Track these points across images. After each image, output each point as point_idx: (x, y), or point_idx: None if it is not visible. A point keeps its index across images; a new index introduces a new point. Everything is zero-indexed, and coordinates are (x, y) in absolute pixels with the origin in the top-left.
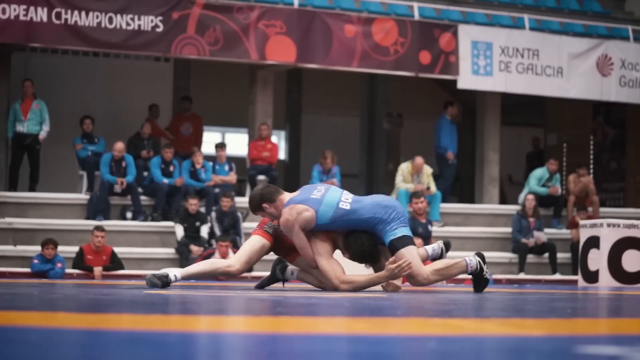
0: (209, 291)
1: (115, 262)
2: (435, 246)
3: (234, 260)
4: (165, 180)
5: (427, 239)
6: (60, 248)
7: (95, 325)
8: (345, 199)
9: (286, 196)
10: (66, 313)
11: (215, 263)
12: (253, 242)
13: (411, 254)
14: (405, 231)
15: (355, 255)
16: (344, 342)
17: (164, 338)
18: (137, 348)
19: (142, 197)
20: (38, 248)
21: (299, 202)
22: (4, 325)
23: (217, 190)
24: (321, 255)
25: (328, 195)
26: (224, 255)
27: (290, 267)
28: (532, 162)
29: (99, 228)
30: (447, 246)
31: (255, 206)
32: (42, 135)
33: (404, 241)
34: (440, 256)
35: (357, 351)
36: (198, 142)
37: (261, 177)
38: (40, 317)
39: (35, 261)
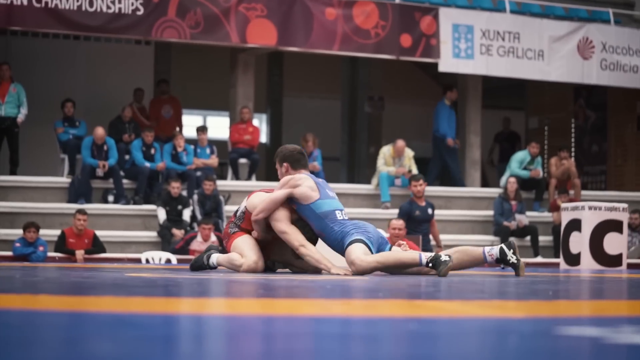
0: (192, 274)
1: (97, 246)
2: (495, 249)
3: (252, 260)
4: (147, 164)
5: (425, 222)
6: (42, 231)
7: (77, 307)
8: (344, 214)
9: (307, 174)
10: (48, 296)
11: (233, 260)
12: (246, 238)
13: (350, 249)
14: (357, 236)
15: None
16: (326, 324)
17: (146, 320)
18: (119, 330)
19: (124, 181)
20: (19, 231)
21: (315, 181)
22: None
23: (198, 173)
24: (280, 221)
25: (335, 201)
26: (206, 238)
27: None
28: (502, 142)
29: (80, 211)
30: (509, 246)
31: (280, 159)
32: (20, 118)
33: (352, 242)
34: (501, 260)
35: (338, 333)
36: (178, 124)
37: (243, 161)
38: (22, 299)
39: (17, 244)
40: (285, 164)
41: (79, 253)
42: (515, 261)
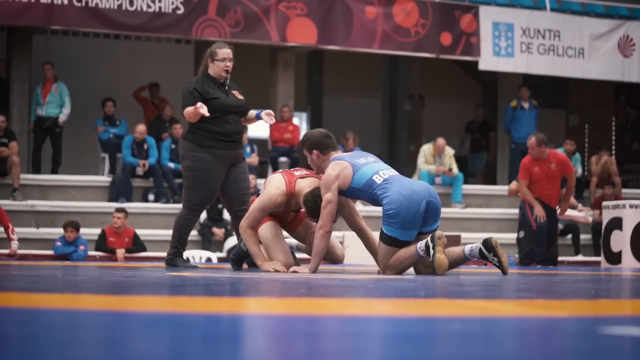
0: (233, 273)
1: (137, 244)
2: (473, 246)
3: (281, 265)
4: (171, 164)
5: None
6: (82, 230)
7: (119, 307)
8: (383, 174)
9: (337, 155)
10: (89, 295)
11: (256, 259)
12: (273, 234)
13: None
14: (391, 232)
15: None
16: (369, 324)
17: (187, 320)
18: (160, 329)
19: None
20: (61, 230)
21: (343, 160)
22: (28, 307)
23: None
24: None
25: (369, 165)
26: None
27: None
28: (473, 132)
29: (118, 210)
30: (488, 249)
31: (308, 146)
32: (62, 118)
33: (384, 238)
34: (480, 257)
35: (382, 332)
36: None
37: (283, 159)
38: (63, 299)
39: (58, 244)
40: (315, 151)
41: (120, 252)
42: (497, 263)
